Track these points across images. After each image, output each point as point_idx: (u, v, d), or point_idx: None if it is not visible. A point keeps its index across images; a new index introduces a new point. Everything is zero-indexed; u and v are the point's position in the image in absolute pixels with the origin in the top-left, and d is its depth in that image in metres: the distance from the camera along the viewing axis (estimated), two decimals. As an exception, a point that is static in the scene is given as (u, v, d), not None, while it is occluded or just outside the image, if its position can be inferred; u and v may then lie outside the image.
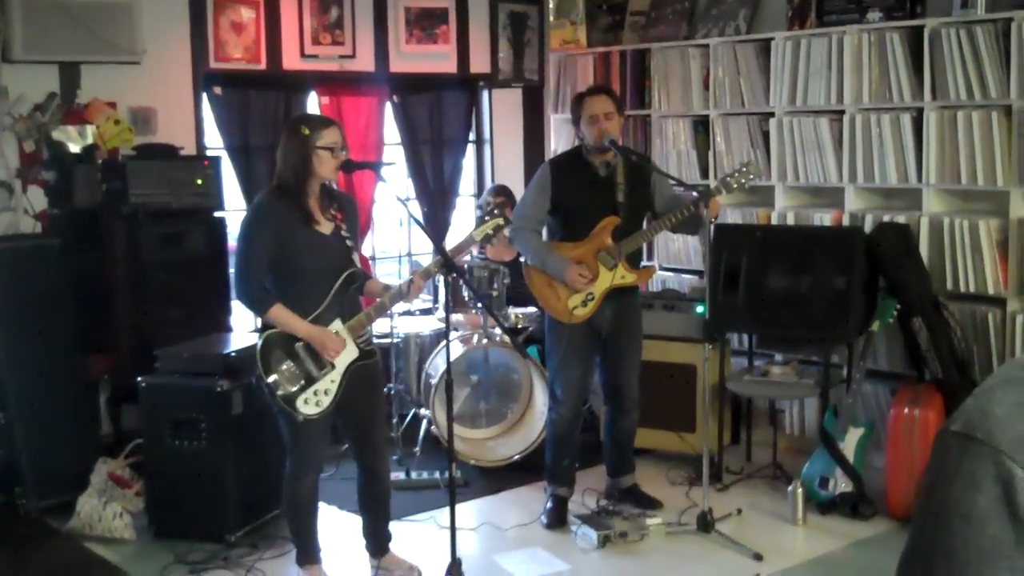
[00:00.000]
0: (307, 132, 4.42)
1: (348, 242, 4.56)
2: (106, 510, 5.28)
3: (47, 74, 6.04)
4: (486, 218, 4.60)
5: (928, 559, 1.26)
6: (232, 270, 4.54)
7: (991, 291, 5.64)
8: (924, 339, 5.62)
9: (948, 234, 5.76)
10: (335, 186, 4.71)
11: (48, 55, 5.97)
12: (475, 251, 6.63)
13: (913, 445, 5.28)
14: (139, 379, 5.29)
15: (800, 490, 5.40)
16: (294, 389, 4.42)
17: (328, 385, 4.47)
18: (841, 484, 5.43)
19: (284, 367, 4.43)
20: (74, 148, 6.10)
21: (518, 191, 7.03)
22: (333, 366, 4.48)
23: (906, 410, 5.34)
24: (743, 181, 5.23)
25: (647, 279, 6.28)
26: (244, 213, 4.68)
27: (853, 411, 5.51)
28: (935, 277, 5.79)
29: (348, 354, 4.52)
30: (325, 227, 4.52)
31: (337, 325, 4.49)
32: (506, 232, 4.73)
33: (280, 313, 4.41)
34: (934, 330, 5.59)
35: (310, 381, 4.45)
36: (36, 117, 5.99)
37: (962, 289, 5.74)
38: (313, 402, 4.44)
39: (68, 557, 5.20)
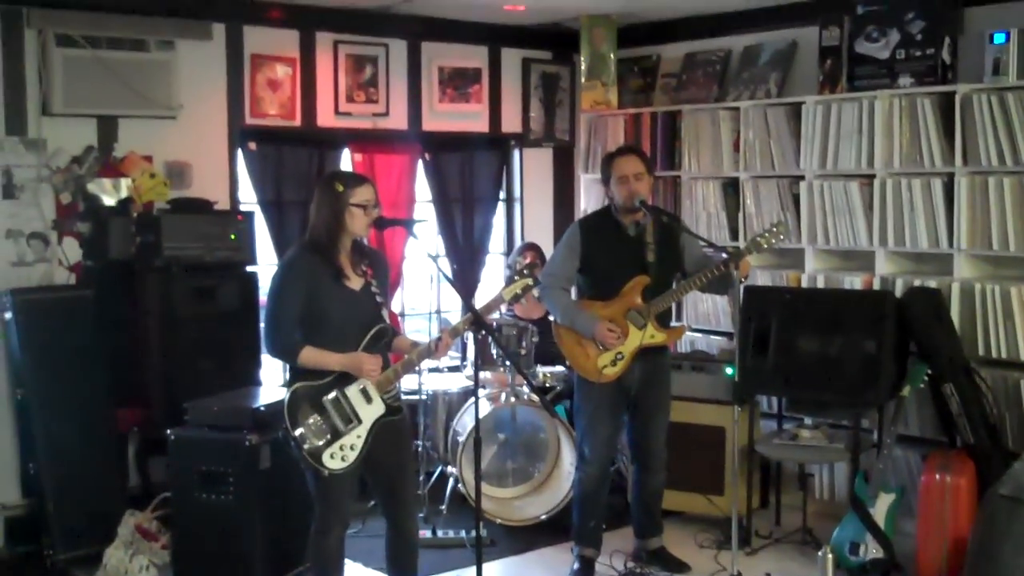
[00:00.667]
0: (341, 189, 4.46)
1: (378, 298, 4.58)
2: (132, 563, 5.29)
3: (85, 128, 6.13)
4: (515, 278, 4.60)
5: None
6: (262, 324, 4.55)
7: (1023, 357, 5.60)
8: (955, 404, 5.57)
9: (979, 299, 5.74)
10: (366, 242, 4.74)
11: (86, 109, 6.06)
12: (504, 309, 6.64)
13: (944, 511, 5.22)
14: (168, 432, 5.30)
15: (830, 556, 5.31)
16: (320, 443, 4.42)
17: (354, 440, 4.47)
18: (872, 550, 5.37)
19: (311, 421, 4.43)
20: (109, 201, 6.17)
21: (547, 249, 7.05)
22: (360, 421, 4.48)
23: (937, 476, 5.29)
24: (773, 241, 5.24)
25: (677, 339, 6.27)
26: (276, 268, 4.71)
27: (884, 476, 5.45)
28: (966, 342, 5.76)
29: (375, 410, 4.51)
30: (355, 283, 4.54)
31: (365, 381, 4.49)
32: (535, 292, 4.73)
33: (311, 353, 4.43)
34: (965, 395, 5.54)
35: (336, 435, 4.44)
36: (73, 170, 6.07)
37: (994, 355, 5.70)
38: (339, 457, 4.44)
39: (93, 609, 5.19)
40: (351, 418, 4.46)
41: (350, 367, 4.43)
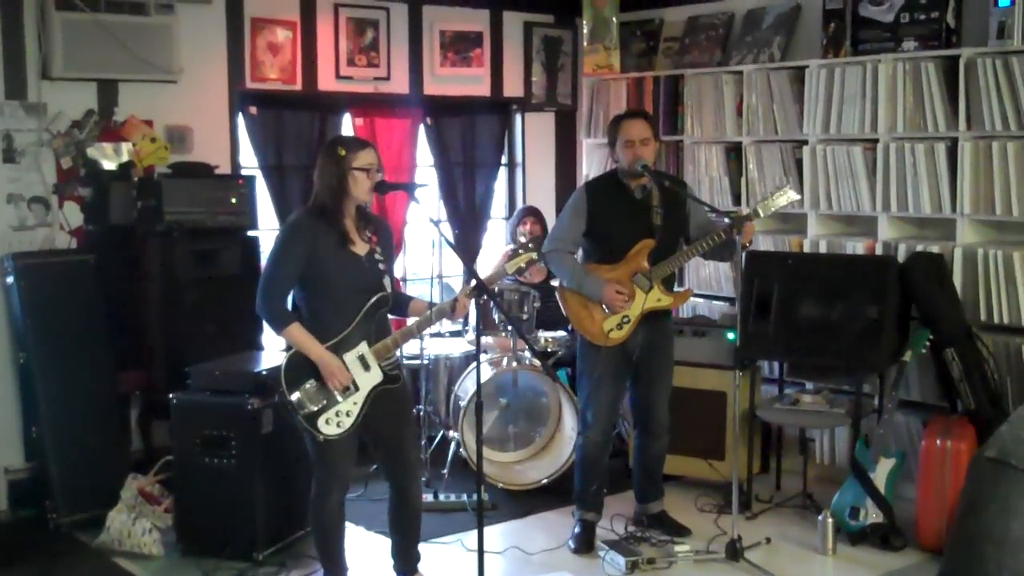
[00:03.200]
0: (343, 153, 4.45)
1: (381, 265, 4.58)
2: (135, 526, 5.31)
3: (85, 92, 6.10)
4: (520, 251, 4.58)
5: (961, 586, 1.26)
6: (259, 283, 4.55)
7: (1025, 322, 5.61)
8: (957, 370, 5.57)
9: (982, 264, 5.73)
10: (370, 209, 4.73)
11: (86, 73, 6.02)
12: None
13: (945, 476, 5.24)
14: (170, 396, 5.32)
15: (830, 520, 5.37)
16: (316, 408, 4.43)
17: (350, 407, 4.47)
18: (872, 515, 5.39)
19: (307, 386, 4.44)
20: (110, 165, 6.15)
21: (549, 214, 7.04)
22: (356, 388, 4.48)
23: (938, 441, 5.30)
24: (780, 203, 5.21)
25: (683, 302, 6.27)
26: (279, 230, 4.70)
27: (885, 441, 5.47)
28: (968, 308, 5.76)
29: (372, 378, 4.52)
30: (360, 248, 4.53)
31: (363, 348, 4.49)
32: (540, 265, 4.72)
33: (297, 333, 4.43)
34: (967, 361, 5.55)
35: (332, 402, 4.45)
36: (74, 134, 6.06)
37: (996, 320, 5.70)
38: (335, 423, 4.45)
39: (97, 572, 5.22)
40: (348, 385, 4.47)
41: (323, 366, 4.42)
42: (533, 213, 7.00)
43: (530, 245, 4.56)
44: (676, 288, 5.52)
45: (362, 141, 4.70)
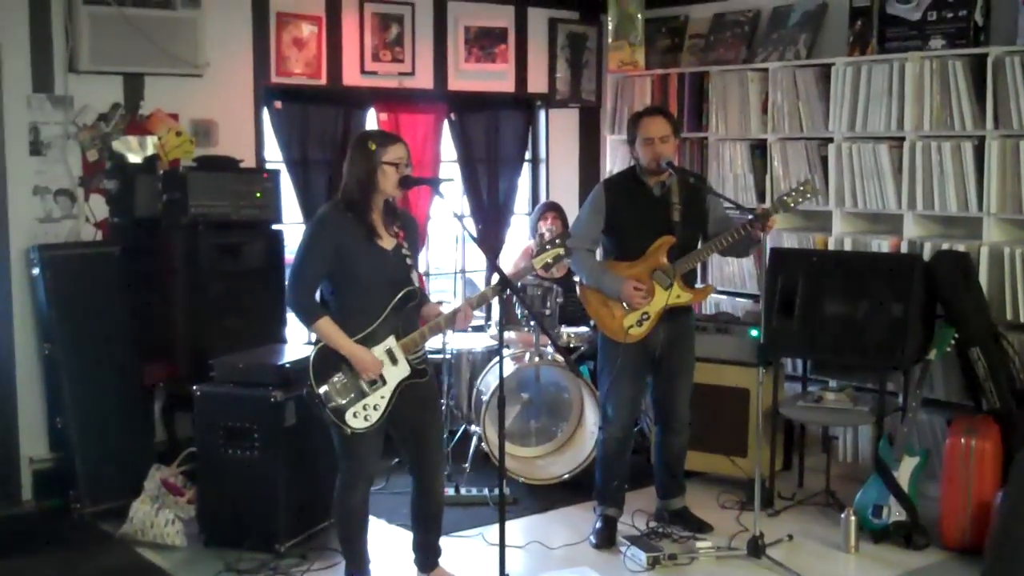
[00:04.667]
0: (374, 147, 4.46)
1: (408, 260, 4.58)
2: (158, 516, 5.33)
3: (111, 85, 6.13)
4: (547, 247, 4.57)
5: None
6: (288, 277, 4.57)
7: (1051, 322, 5.58)
8: (982, 369, 5.54)
9: (1008, 264, 5.70)
10: (396, 203, 4.73)
11: (113, 66, 6.05)
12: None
13: (969, 475, 5.22)
14: (194, 388, 5.34)
15: (853, 518, 5.35)
16: (344, 402, 4.44)
17: (378, 401, 4.48)
18: (895, 513, 5.37)
19: (336, 379, 4.45)
20: (135, 158, 6.18)
21: (572, 210, 7.03)
22: (384, 382, 4.49)
23: (962, 440, 5.27)
24: (800, 200, 5.20)
25: (704, 299, 6.26)
26: (302, 226, 4.71)
27: (908, 439, 5.45)
28: (994, 307, 5.73)
29: (400, 372, 4.53)
30: (387, 243, 4.54)
31: (391, 342, 4.50)
32: (566, 261, 4.71)
33: (326, 327, 4.44)
34: (992, 360, 5.52)
35: (360, 395, 4.46)
36: (100, 127, 6.09)
37: (1022, 319, 5.67)
38: (362, 416, 4.46)
39: (120, 562, 5.24)
40: (375, 379, 4.47)
41: (354, 359, 4.43)
42: (554, 208, 6.99)
43: (557, 240, 4.55)
44: (697, 285, 5.50)
45: (392, 136, 4.70)
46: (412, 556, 4.93)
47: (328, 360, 4.46)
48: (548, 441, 6.55)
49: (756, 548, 5.15)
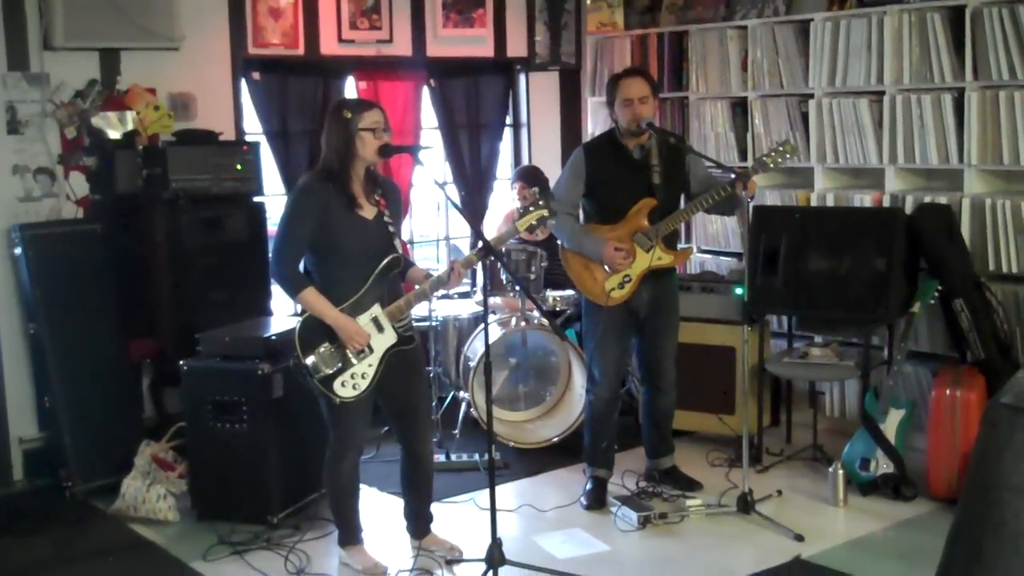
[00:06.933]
0: (349, 115, 4.45)
1: (390, 228, 4.57)
2: (150, 492, 5.34)
3: (87, 61, 6.09)
4: (530, 208, 4.56)
5: (977, 533, 1.25)
6: (271, 249, 4.57)
7: (1034, 271, 5.60)
8: (966, 320, 5.57)
9: (990, 215, 5.71)
10: (378, 172, 4.72)
11: (88, 42, 6.00)
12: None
13: (955, 426, 5.25)
14: (181, 363, 5.34)
15: (841, 471, 5.38)
16: (331, 371, 4.45)
17: (365, 369, 4.49)
18: (882, 465, 5.41)
19: (322, 349, 4.45)
20: (114, 134, 6.14)
21: (554, 175, 7.01)
22: (371, 350, 4.50)
23: (948, 391, 5.30)
24: (780, 160, 5.21)
25: (684, 260, 6.26)
26: (284, 197, 4.69)
27: (894, 392, 5.48)
28: (977, 258, 5.75)
29: (386, 339, 4.53)
30: (368, 211, 4.53)
31: (376, 310, 4.51)
32: (550, 223, 4.69)
33: (311, 297, 4.44)
34: (976, 311, 5.55)
35: (347, 364, 4.47)
36: (77, 104, 6.05)
37: (1004, 270, 5.69)
38: (350, 385, 4.47)
39: (112, 538, 5.25)
40: (362, 348, 4.48)
41: (339, 329, 4.43)
42: (523, 177, 6.89)
43: (540, 202, 4.54)
44: (680, 246, 5.50)
45: (367, 102, 4.69)
46: (404, 523, 4.96)
47: (314, 330, 4.46)
48: (537, 405, 6.57)
49: (746, 504, 5.19)
